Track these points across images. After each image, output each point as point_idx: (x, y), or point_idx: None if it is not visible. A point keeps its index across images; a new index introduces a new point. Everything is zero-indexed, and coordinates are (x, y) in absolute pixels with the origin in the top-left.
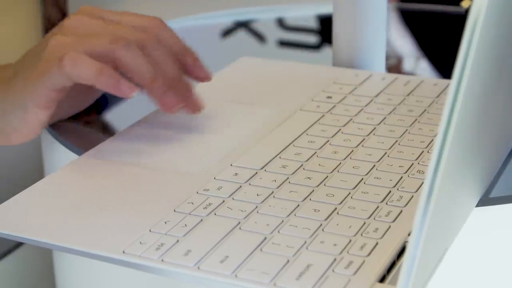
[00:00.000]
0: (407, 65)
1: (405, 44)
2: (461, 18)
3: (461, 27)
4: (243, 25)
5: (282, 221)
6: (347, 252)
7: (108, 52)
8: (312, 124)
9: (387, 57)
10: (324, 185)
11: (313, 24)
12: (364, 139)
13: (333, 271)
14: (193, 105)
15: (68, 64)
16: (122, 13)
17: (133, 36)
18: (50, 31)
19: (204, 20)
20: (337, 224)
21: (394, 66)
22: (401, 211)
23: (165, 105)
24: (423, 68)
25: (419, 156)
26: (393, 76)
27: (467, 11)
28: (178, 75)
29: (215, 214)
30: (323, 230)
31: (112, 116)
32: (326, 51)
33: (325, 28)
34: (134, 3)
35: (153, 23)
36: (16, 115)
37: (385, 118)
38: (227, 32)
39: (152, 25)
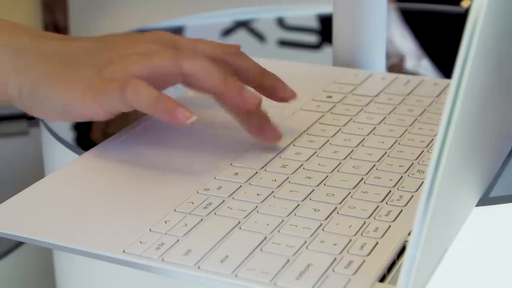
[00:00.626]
0: (409, 64)
1: (406, 43)
2: (463, 18)
3: (463, 26)
4: (243, 24)
5: (282, 220)
6: (347, 251)
7: (172, 67)
8: (312, 124)
9: (389, 56)
10: (324, 184)
11: (313, 24)
12: (364, 138)
13: (333, 270)
14: (269, 135)
15: (129, 92)
16: (197, 41)
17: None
18: (115, 36)
19: (204, 19)
20: (337, 224)
21: (396, 65)
22: (401, 211)
23: (244, 100)
24: (425, 67)
25: (419, 156)
26: (393, 75)
27: (467, 11)
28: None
29: (215, 213)
30: (323, 229)
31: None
32: (326, 50)
33: (325, 28)
34: (134, 3)
35: (228, 50)
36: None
37: (385, 117)
38: (227, 32)
39: (226, 53)
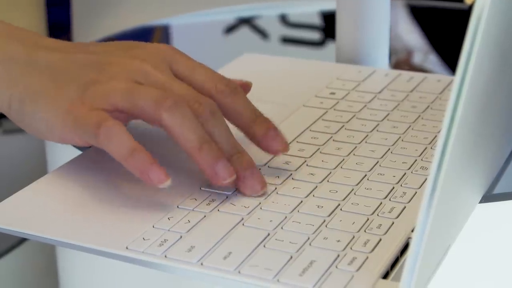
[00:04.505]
0: (416, 59)
1: (414, 39)
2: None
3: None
4: (246, 21)
5: (286, 217)
6: (351, 248)
7: (152, 113)
8: (316, 120)
9: (397, 52)
10: (328, 181)
11: (316, 20)
12: (367, 135)
13: (336, 267)
14: (250, 185)
15: (102, 135)
16: (196, 67)
17: (188, 97)
18: (111, 45)
19: (207, 16)
20: (341, 220)
21: (404, 60)
22: (405, 207)
23: (213, 177)
24: (432, 62)
25: (422, 152)
26: (396, 72)
27: (470, 7)
28: (234, 148)
29: (218, 210)
30: (326, 226)
31: None
32: (329, 47)
33: (328, 25)
34: (137, 0)
35: (224, 88)
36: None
37: (388, 114)
38: (230, 29)
39: (221, 91)
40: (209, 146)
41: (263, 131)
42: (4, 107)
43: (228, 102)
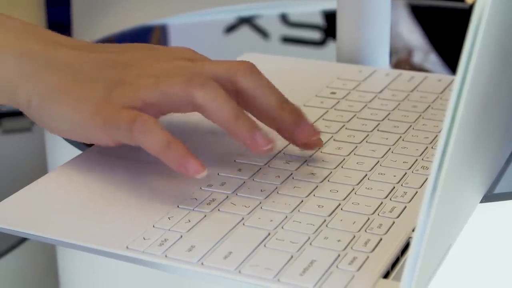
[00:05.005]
0: (417, 58)
1: (415, 38)
2: (468, 13)
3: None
4: (247, 21)
5: (286, 217)
6: (351, 248)
7: (183, 95)
8: (316, 120)
9: (397, 51)
10: (328, 181)
11: (317, 20)
12: (368, 135)
13: (337, 267)
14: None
15: (137, 130)
16: (216, 61)
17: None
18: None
19: (207, 16)
20: (341, 220)
21: (404, 60)
22: (405, 207)
23: (252, 146)
24: (433, 62)
25: (423, 152)
26: (397, 71)
27: (471, 7)
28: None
29: (218, 210)
30: (327, 226)
31: None
32: (330, 47)
33: (329, 24)
34: (137, 0)
35: (249, 72)
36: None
37: (389, 114)
38: (231, 28)
39: (245, 73)
40: (244, 116)
41: (293, 118)
42: (23, 104)
43: (252, 87)
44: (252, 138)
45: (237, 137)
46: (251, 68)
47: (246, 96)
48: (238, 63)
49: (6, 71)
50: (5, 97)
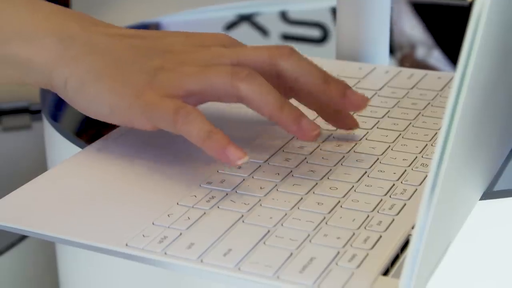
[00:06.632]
0: (420, 53)
1: (417, 34)
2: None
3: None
4: (246, 18)
5: (286, 214)
6: (351, 245)
7: (228, 87)
8: (316, 117)
9: (401, 47)
10: (328, 178)
11: (317, 17)
12: (367, 132)
13: (336, 264)
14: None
15: (180, 121)
16: (253, 46)
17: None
18: (169, 34)
19: (207, 13)
20: (341, 217)
21: (408, 55)
22: (405, 204)
23: (299, 133)
24: (436, 57)
25: (423, 149)
26: (397, 69)
27: (471, 4)
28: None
29: (218, 207)
30: (326, 223)
31: None
32: (329, 44)
33: (330, 22)
34: None
35: (287, 53)
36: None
37: (388, 111)
38: (230, 26)
39: (284, 54)
40: (289, 105)
41: (340, 90)
42: (59, 85)
43: (293, 68)
44: (298, 126)
45: (283, 126)
46: (290, 51)
47: (289, 77)
48: (277, 47)
49: (45, 52)
50: (38, 77)
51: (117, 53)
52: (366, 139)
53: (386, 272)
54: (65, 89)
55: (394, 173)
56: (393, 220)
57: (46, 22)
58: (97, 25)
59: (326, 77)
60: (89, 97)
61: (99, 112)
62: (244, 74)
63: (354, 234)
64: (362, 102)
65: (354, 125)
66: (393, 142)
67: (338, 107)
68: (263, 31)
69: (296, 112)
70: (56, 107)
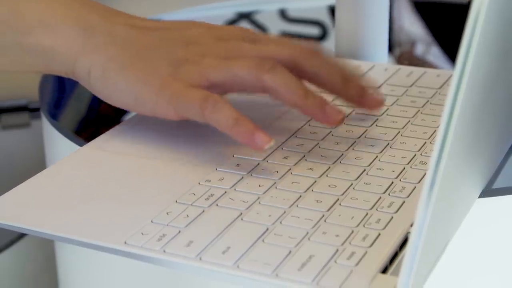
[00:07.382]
0: (419, 50)
1: (416, 30)
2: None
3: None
4: (245, 16)
5: (284, 212)
6: (349, 243)
7: (253, 78)
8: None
9: (400, 44)
10: (326, 176)
11: (316, 15)
12: (366, 129)
13: (335, 262)
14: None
15: (208, 109)
16: (275, 38)
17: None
18: (191, 25)
19: (206, 11)
20: (339, 215)
21: (407, 52)
22: (404, 202)
23: (324, 119)
24: (435, 54)
25: (421, 147)
26: (396, 67)
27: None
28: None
29: (217, 205)
30: (325, 221)
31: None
32: (328, 42)
33: (329, 19)
34: None
35: (308, 51)
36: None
37: (387, 109)
38: (230, 24)
39: (305, 53)
40: (313, 93)
41: (357, 93)
42: (82, 74)
43: (314, 68)
44: (324, 112)
45: (309, 114)
46: (312, 50)
47: (310, 76)
48: (299, 47)
49: (68, 41)
50: (60, 66)
51: (139, 44)
52: (365, 136)
53: (385, 270)
54: (89, 78)
55: (393, 171)
56: (392, 218)
57: (68, 11)
58: (118, 16)
59: (345, 78)
60: (113, 86)
61: (123, 101)
62: (268, 66)
63: (353, 232)
64: (378, 104)
65: (378, 103)
66: (392, 139)
67: (356, 106)
68: (262, 29)
69: (320, 99)
70: (55, 105)
